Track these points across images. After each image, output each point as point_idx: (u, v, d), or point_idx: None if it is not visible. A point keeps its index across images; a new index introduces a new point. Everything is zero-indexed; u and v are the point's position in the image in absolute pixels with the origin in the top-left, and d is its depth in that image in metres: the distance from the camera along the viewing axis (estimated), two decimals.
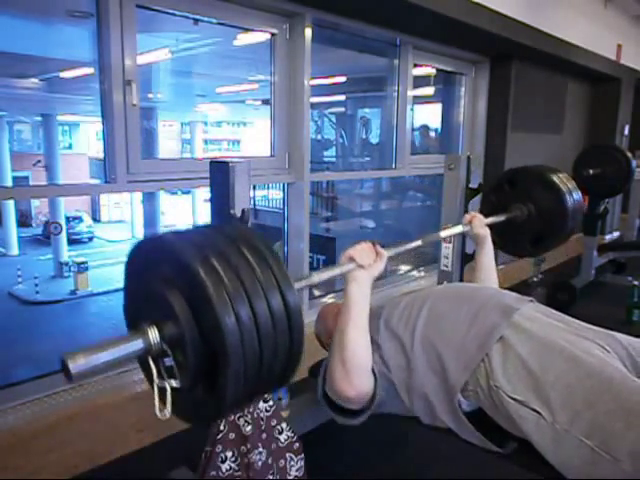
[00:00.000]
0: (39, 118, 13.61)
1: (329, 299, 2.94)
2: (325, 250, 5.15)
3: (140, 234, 14.97)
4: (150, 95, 7.84)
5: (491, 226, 1.83)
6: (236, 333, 0.77)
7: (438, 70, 3.73)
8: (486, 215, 1.87)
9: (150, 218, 13.21)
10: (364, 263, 1.26)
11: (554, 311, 1.31)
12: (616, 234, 5.46)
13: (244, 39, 3.22)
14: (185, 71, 7.20)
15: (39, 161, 14.79)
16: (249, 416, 1.21)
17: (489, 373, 1.16)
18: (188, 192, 15.74)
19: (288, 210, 2.66)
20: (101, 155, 2.15)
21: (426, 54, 3.33)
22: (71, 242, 14.43)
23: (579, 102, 4.95)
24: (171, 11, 2.11)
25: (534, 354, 1.13)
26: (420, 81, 3.64)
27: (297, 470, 1.31)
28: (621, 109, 5.16)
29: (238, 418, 1.22)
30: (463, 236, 2.04)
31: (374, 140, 6.30)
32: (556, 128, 4.57)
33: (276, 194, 7.32)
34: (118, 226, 18.14)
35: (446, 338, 1.25)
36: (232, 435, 1.21)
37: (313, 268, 3.04)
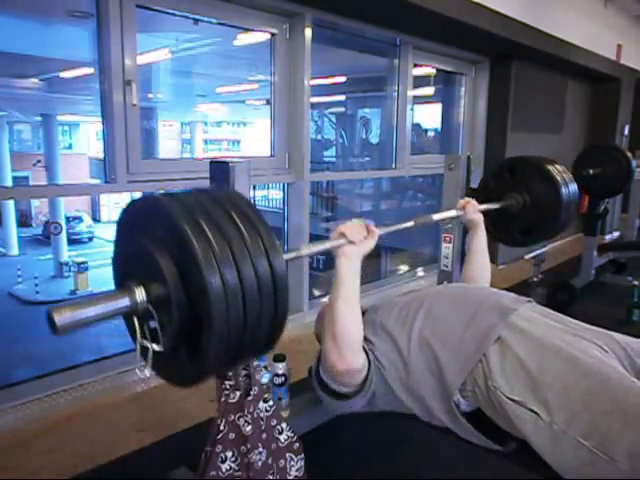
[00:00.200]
0: (39, 118, 13.60)
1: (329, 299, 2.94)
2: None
3: None
4: (150, 95, 7.83)
5: (485, 213, 1.84)
6: (221, 295, 0.78)
7: (438, 70, 3.73)
8: (482, 201, 1.88)
9: None
10: (354, 239, 1.27)
11: (552, 311, 1.31)
12: (616, 234, 5.46)
13: (244, 39, 3.22)
14: (185, 71, 7.20)
15: (39, 161, 14.77)
16: (249, 416, 1.21)
17: (487, 373, 1.16)
18: None
19: (288, 210, 2.66)
20: (101, 155, 2.15)
21: (426, 54, 3.33)
22: (71, 242, 14.41)
23: (579, 102, 4.95)
24: (171, 11, 2.11)
25: (532, 354, 1.13)
26: (420, 81, 3.64)
27: (297, 470, 1.31)
28: (621, 109, 5.16)
29: (238, 418, 1.22)
30: (463, 236, 2.05)
31: (374, 140, 6.30)
32: (556, 128, 4.57)
33: (276, 194, 7.31)
34: None
35: (443, 339, 1.25)
36: (232, 435, 1.21)
37: (313, 268, 3.04)
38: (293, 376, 1.70)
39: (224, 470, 1.20)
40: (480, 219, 1.79)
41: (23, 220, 16.21)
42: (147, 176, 2.02)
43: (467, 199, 1.84)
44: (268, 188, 7.41)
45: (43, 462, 1.72)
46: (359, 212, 6.36)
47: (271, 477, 1.25)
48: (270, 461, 1.25)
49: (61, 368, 1.95)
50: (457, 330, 1.25)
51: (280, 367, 1.65)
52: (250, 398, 1.23)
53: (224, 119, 18.69)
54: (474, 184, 2.23)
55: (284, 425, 1.31)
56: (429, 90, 4.22)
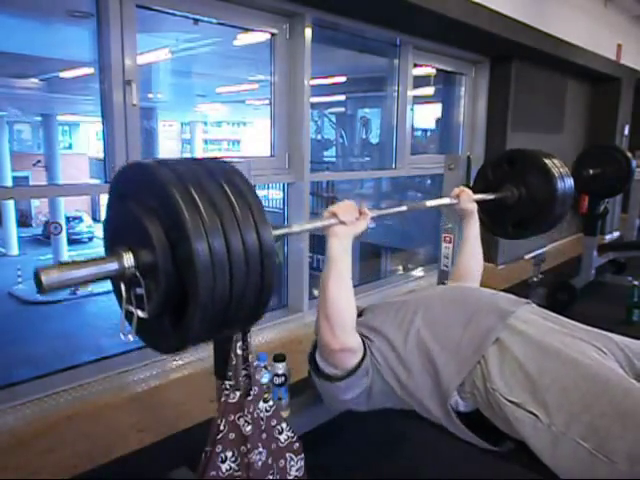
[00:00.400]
0: (39, 118, 13.60)
1: None
2: (325, 250, 5.14)
3: None
4: (150, 95, 7.82)
5: (480, 204, 1.84)
6: (208, 265, 0.78)
7: (438, 70, 3.73)
8: (478, 191, 1.88)
9: None
10: (346, 220, 1.28)
11: (550, 313, 1.31)
12: (616, 234, 5.46)
13: (244, 39, 3.21)
14: (185, 71, 7.19)
15: (39, 161, 14.75)
16: (249, 416, 1.21)
17: (486, 375, 1.16)
18: None
19: (288, 210, 2.66)
20: (101, 155, 2.15)
21: (426, 54, 3.33)
22: (71, 242, 14.40)
23: (579, 102, 4.95)
24: (171, 11, 2.11)
25: (531, 356, 1.13)
26: (420, 81, 3.64)
27: (297, 470, 1.31)
28: (621, 109, 5.16)
29: (238, 418, 1.22)
30: None
31: (374, 140, 6.29)
32: (556, 128, 4.57)
33: (276, 194, 7.31)
34: None
35: (441, 341, 1.25)
36: (232, 435, 1.21)
37: (313, 268, 3.03)
38: (293, 376, 1.70)
39: (224, 470, 1.20)
40: (474, 208, 1.80)
41: (23, 220, 16.19)
42: None
43: (462, 188, 1.84)
44: (268, 188, 7.40)
45: (43, 462, 1.72)
46: None
47: (271, 477, 1.25)
48: (270, 461, 1.25)
49: (61, 368, 1.95)
50: (455, 332, 1.24)
51: (280, 367, 1.65)
52: (250, 398, 1.23)
53: (224, 119, 18.69)
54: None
55: (284, 425, 1.31)
56: (429, 90, 4.22)
